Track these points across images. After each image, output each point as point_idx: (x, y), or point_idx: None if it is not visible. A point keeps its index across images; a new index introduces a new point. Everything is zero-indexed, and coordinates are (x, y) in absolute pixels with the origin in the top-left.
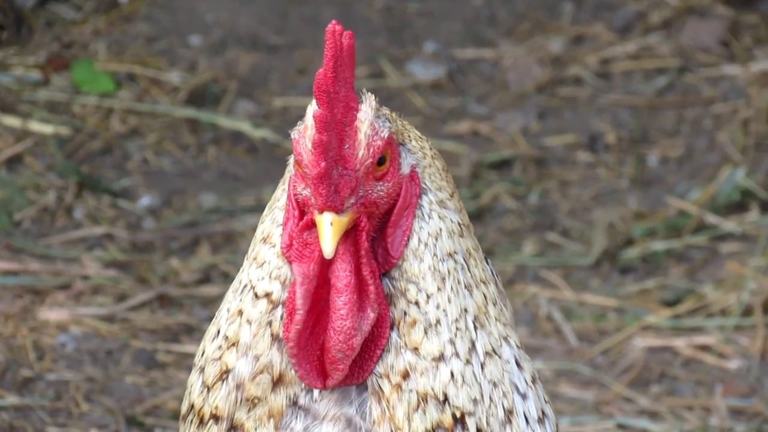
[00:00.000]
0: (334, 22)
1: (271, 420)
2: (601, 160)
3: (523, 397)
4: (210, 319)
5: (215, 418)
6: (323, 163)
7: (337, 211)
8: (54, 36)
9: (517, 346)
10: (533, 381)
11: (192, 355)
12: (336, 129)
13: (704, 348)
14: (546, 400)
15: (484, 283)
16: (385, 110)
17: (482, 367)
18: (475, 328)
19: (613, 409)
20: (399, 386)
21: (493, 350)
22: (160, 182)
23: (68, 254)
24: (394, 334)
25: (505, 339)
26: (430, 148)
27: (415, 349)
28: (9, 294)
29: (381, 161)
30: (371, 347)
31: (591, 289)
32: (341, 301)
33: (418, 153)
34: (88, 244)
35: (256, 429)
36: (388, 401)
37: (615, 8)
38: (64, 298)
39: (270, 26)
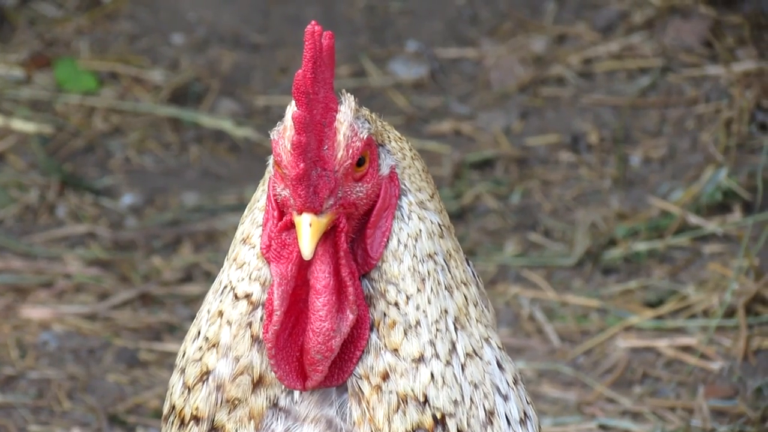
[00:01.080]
0: (313, 22)
1: (252, 421)
2: (584, 160)
3: (505, 398)
4: (192, 318)
5: (196, 419)
6: (302, 165)
7: (316, 212)
8: (36, 34)
9: (499, 347)
10: (515, 382)
11: (174, 354)
12: (315, 130)
13: (687, 349)
14: (528, 401)
15: (465, 284)
16: (365, 111)
17: (463, 369)
18: (456, 329)
19: (596, 409)
20: (379, 387)
21: (474, 351)
22: (143, 181)
23: (51, 252)
24: (374, 336)
25: (486, 340)
26: (410, 149)
27: (395, 351)
28: None
29: (360, 162)
30: (350, 349)
31: (573, 289)
32: (320, 303)
33: (398, 154)
34: (71, 243)
35: (236, 430)
36: (368, 402)
37: (598, 8)
38: (46, 297)
39: (252, 25)
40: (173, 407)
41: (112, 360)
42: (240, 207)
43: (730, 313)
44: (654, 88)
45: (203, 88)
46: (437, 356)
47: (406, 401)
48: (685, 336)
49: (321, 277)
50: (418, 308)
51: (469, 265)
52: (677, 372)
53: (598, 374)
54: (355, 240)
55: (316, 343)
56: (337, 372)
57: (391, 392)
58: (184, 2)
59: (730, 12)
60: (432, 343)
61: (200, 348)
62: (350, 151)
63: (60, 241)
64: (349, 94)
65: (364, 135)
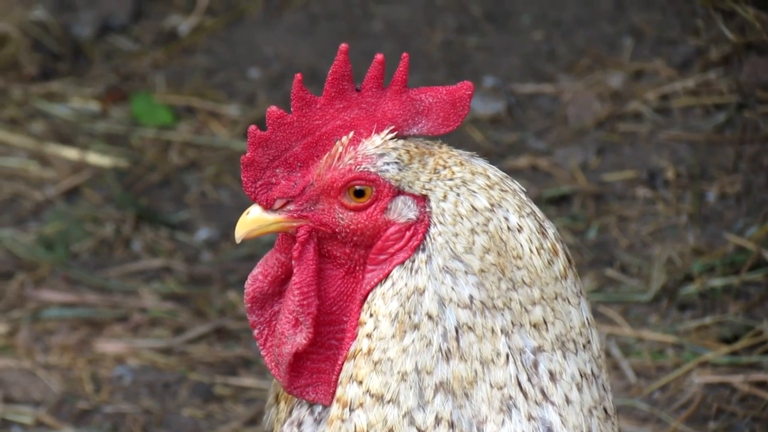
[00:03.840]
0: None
1: (289, 404)
2: (660, 195)
3: None
4: None
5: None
6: (250, 154)
7: (261, 205)
8: (112, 68)
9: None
10: None
11: (249, 389)
12: (309, 137)
13: (762, 384)
14: None
15: (482, 363)
16: (438, 160)
17: (433, 429)
18: (435, 393)
19: None
20: (342, 415)
21: (453, 423)
22: (218, 215)
23: (126, 286)
24: (351, 363)
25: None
26: (484, 223)
27: (360, 382)
28: (66, 326)
29: (359, 194)
30: (329, 369)
31: (649, 325)
32: (284, 306)
33: (445, 217)
34: (146, 277)
35: (282, 409)
36: (332, 428)
37: (674, 44)
38: (121, 331)
39: (329, 59)
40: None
41: (187, 394)
42: None
43: None
44: (730, 124)
45: None
46: (397, 403)
47: None
48: (760, 372)
49: (291, 282)
50: (385, 351)
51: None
52: (752, 407)
53: (673, 410)
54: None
55: (272, 344)
56: (323, 391)
57: (350, 422)
58: (261, 37)
59: None
60: (397, 389)
61: None
62: (332, 173)
63: (135, 275)
64: (389, 133)
65: (360, 169)
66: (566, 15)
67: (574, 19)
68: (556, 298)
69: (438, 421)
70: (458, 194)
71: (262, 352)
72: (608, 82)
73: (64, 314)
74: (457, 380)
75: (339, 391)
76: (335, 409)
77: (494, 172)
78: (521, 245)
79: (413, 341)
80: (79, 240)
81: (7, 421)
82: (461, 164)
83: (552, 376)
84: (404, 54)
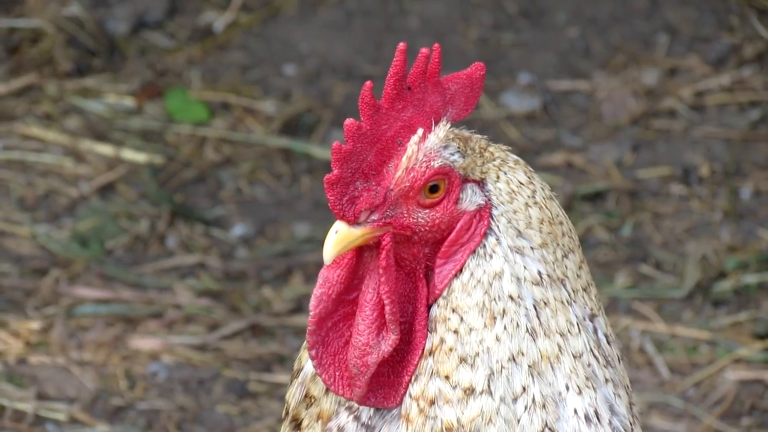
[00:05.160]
0: (404, 45)
1: (320, 421)
2: (695, 192)
3: None
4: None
5: (287, 412)
6: (337, 171)
7: (348, 221)
8: (147, 64)
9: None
10: None
11: (284, 385)
12: (380, 144)
13: None
14: None
15: (561, 335)
16: (485, 146)
17: (525, 412)
18: (531, 373)
19: None
20: (425, 412)
21: (544, 402)
22: (254, 211)
23: (160, 283)
24: (430, 360)
25: (580, 392)
26: (532, 196)
27: (446, 377)
28: (101, 322)
29: (433, 189)
30: (400, 372)
31: (683, 321)
32: (360, 317)
33: (502, 196)
34: (181, 273)
35: (308, 426)
36: (414, 425)
37: (709, 41)
38: (156, 327)
39: (365, 56)
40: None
41: (221, 391)
42: None
43: None
44: (764, 121)
45: (315, 119)
46: (490, 393)
47: (451, 431)
48: None
49: (366, 292)
50: (481, 342)
51: (593, 322)
52: None
53: (707, 406)
54: (431, 268)
55: (353, 357)
56: (391, 393)
57: (435, 418)
58: (297, 33)
59: None
60: (488, 379)
61: (304, 347)
62: (411, 174)
63: (170, 271)
64: (446, 123)
65: (437, 164)
66: (601, 12)
67: (609, 16)
68: (584, 260)
69: (532, 403)
70: (506, 173)
71: (319, 370)
72: (643, 79)
73: (98, 311)
74: (545, 357)
75: (416, 390)
76: (414, 408)
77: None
78: (559, 212)
79: (504, 327)
80: (114, 236)
81: (41, 418)
82: (490, 144)
83: (607, 339)
84: (436, 45)
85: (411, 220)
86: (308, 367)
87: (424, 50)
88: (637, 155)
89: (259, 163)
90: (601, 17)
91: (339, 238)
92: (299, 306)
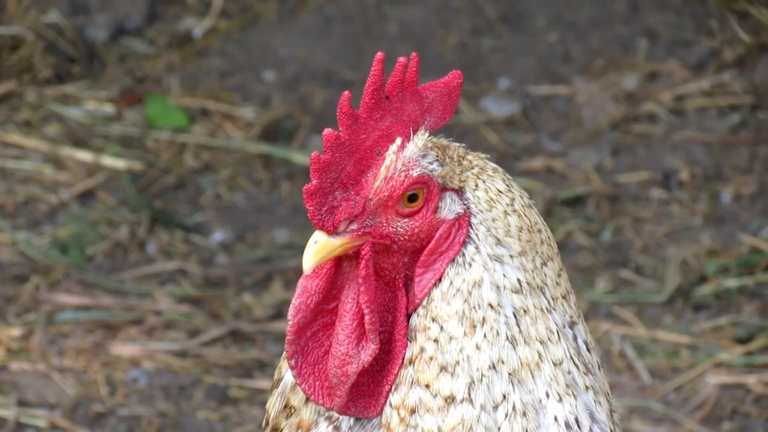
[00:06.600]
0: (382, 54)
1: (300, 431)
2: (675, 197)
3: None
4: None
5: (267, 422)
6: (315, 181)
7: (327, 231)
8: (127, 70)
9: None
10: None
11: (265, 391)
12: (358, 153)
13: None
14: None
15: (541, 342)
16: (463, 154)
17: (506, 420)
18: (511, 381)
19: None
20: (406, 421)
21: (525, 410)
22: (233, 218)
23: (141, 289)
24: (410, 369)
25: (560, 400)
26: (510, 204)
27: (427, 386)
28: (81, 329)
29: (411, 198)
30: (380, 381)
31: (664, 326)
32: (340, 327)
33: (481, 204)
34: (161, 280)
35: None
36: None
37: (689, 45)
38: (136, 333)
39: (344, 62)
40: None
41: (202, 397)
42: None
43: None
44: (745, 125)
45: (294, 124)
46: (470, 401)
47: None
48: None
49: (345, 301)
50: (461, 350)
51: (572, 329)
52: (766, 408)
53: (688, 410)
54: (410, 277)
55: (333, 366)
56: (371, 403)
57: (416, 427)
58: (276, 39)
59: None
60: (469, 387)
61: (282, 357)
62: (390, 183)
63: (150, 277)
64: (424, 132)
65: (415, 173)
66: (581, 17)
67: (589, 20)
68: (563, 268)
69: (513, 410)
70: (484, 181)
71: (298, 380)
72: (623, 84)
73: (78, 317)
74: (525, 365)
75: (396, 399)
76: (394, 417)
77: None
78: (538, 220)
79: (484, 335)
80: (94, 243)
81: (21, 425)
82: (468, 152)
83: (587, 347)
84: (413, 54)
85: (390, 229)
86: (288, 377)
87: (401, 59)
88: (617, 160)
89: (238, 169)
90: (580, 22)
91: (318, 248)
92: (279, 312)
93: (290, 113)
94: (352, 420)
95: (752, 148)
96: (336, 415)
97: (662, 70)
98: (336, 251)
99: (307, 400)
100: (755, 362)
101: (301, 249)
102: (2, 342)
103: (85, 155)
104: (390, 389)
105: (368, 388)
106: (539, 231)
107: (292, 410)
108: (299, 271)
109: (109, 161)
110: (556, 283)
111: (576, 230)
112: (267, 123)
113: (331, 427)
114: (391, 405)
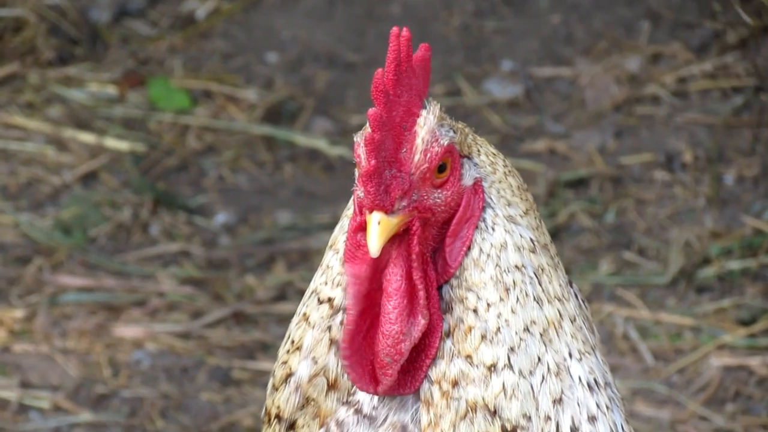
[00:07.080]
0: (404, 29)
1: (316, 420)
2: (678, 178)
3: (591, 420)
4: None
5: (278, 417)
6: (373, 161)
7: (386, 210)
8: (130, 52)
9: (593, 369)
10: (608, 408)
11: (267, 372)
12: (393, 131)
13: None
14: (624, 427)
15: (559, 299)
16: (452, 121)
17: (542, 383)
18: (543, 342)
19: (689, 427)
20: (448, 394)
21: (560, 368)
22: (236, 199)
23: (144, 271)
24: (449, 342)
25: (580, 359)
26: (504, 165)
27: (468, 357)
28: (84, 310)
29: (441, 169)
30: (421, 357)
31: (667, 308)
32: (391, 305)
33: (487, 168)
34: (164, 261)
35: (304, 425)
36: (436, 408)
37: (692, 27)
38: (139, 315)
39: (347, 44)
40: (266, 407)
41: (205, 378)
42: (333, 225)
43: None
44: (747, 107)
45: (297, 106)
46: (511, 367)
47: (475, 410)
48: None
49: (393, 280)
50: (499, 316)
51: (572, 287)
52: None
53: (691, 392)
54: (437, 249)
55: (385, 346)
56: (409, 379)
57: (459, 399)
58: (279, 21)
59: None
60: (509, 353)
61: (288, 351)
62: (428, 155)
63: (153, 259)
64: (435, 101)
65: (445, 142)
66: None
67: (592, 2)
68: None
69: (548, 372)
70: (481, 145)
71: (348, 370)
72: (626, 66)
73: (81, 299)
74: (551, 324)
75: (436, 373)
76: (435, 391)
77: None
78: (520, 179)
79: (517, 298)
80: (97, 224)
81: (24, 406)
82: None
83: (584, 303)
84: (405, 28)
85: (430, 201)
86: (300, 371)
87: (405, 33)
88: (620, 142)
89: (241, 151)
90: (583, 4)
91: (382, 228)
92: (282, 294)
93: (293, 95)
94: (375, 401)
95: (755, 130)
96: (356, 398)
97: (665, 52)
98: (394, 230)
99: (328, 390)
100: (758, 344)
101: (303, 230)
102: (5, 324)
103: (88, 137)
104: (430, 363)
105: (410, 365)
106: (527, 190)
107: (310, 402)
108: (302, 253)
109: (112, 143)
110: (551, 240)
111: (579, 212)
112: (270, 105)
113: (351, 410)
114: (431, 380)
